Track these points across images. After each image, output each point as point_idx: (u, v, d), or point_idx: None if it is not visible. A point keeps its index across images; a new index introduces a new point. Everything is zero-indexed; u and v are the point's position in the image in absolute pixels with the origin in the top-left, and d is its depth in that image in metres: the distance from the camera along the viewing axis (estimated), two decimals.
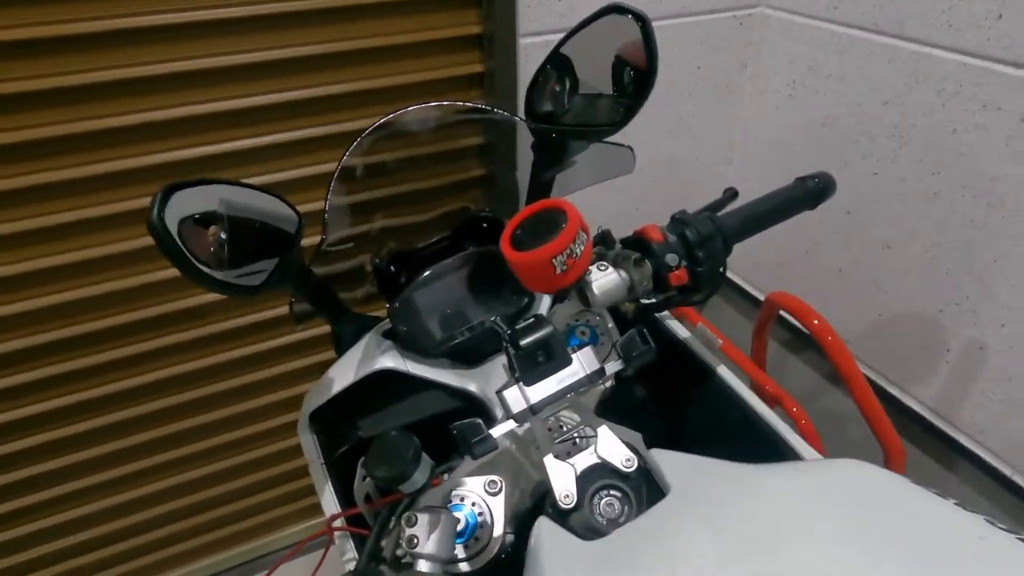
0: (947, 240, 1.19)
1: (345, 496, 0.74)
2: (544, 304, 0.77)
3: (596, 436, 0.58)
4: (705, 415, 0.78)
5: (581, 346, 0.71)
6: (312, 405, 0.78)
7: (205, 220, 0.63)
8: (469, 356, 0.77)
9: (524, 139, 0.78)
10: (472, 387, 0.73)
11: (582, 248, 0.58)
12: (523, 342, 0.54)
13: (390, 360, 0.74)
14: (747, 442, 0.72)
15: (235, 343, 1.35)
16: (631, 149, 0.73)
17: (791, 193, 0.72)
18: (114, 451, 1.36)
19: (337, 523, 0.68)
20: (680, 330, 0.82)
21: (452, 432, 0.53)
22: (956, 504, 0.44)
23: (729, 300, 1.78)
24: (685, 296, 0.69)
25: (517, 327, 0.56)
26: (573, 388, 0.56)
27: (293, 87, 1.15)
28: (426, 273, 0.75)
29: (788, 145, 1.49)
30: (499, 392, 0.55)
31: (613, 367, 0.58)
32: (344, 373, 0.76)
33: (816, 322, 1.27)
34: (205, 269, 0.58)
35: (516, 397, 0.55)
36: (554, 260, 0.57)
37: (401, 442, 0.53)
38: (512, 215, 0.63)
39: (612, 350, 0.60)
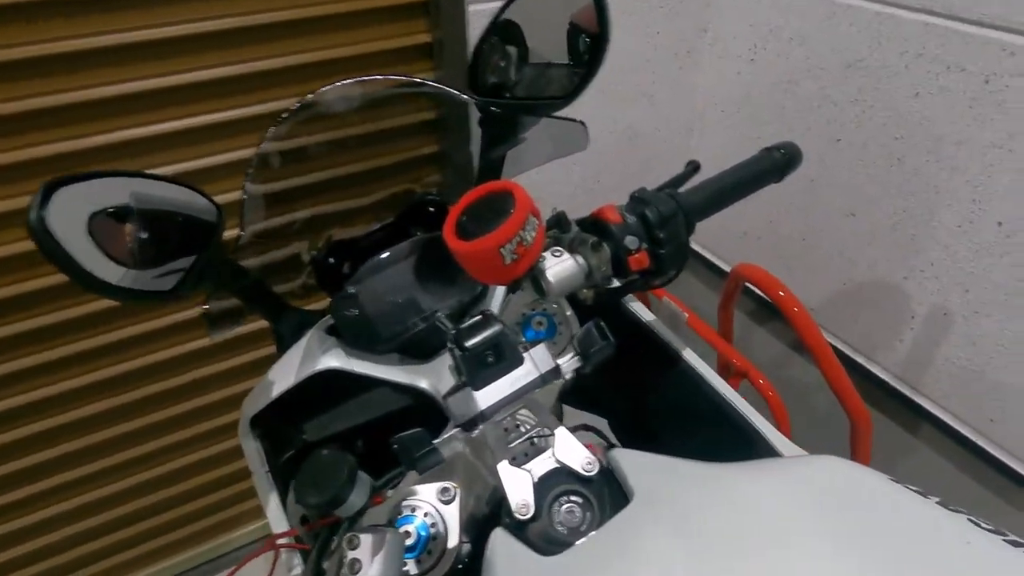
0: (911, 206, 1.17)
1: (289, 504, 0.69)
2: (499, 293, 0.72)
3: (554, 437, 0.53)
4: (672, 402, 0.75)
5: (537, 340, 0.66)
6: (252, 410, 0.72)
7: (119, 215, 0.57)
8: (420, 350, 0.72)
9: (472, 115, 0.72)
10: (423, 384, 0.68)
11: (533, 234, 0.53)
12: (469, 343, 0.49)
13: (334, 359, 0.69)
14: (716, 429, 0.69)
15: (176, 339, 1.28)
16: (583, 124, 0.68)
17: (756, 166, 0.68)
18: (61, 455, 1.28)
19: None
20: (644, 313, 0.78)
21: (393, 446, 0.48)
22: (939, 503, 0.41)
23: (694, 272, 1.75)
24: (647, 280, 0.64)
25: (462, 326, 0.51)
26: (527, 389, 0.51)
27: (219, 63, 1.06)
28: (369, 263, 0.69)
29: (751, 112, 1.46)
30: (446, 397, 0.50)
31: (570, 364, 0.53)
32: (284, 374, 0.70)
33: (782, 294, 1.25)
34: (105, 277, 0.51)
35: (464, 403, 0.50)
36: (503, 249, 0.52)
37: (333, 462, 0.48)
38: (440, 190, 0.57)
39: (569, 345, 0.55)
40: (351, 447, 0.76)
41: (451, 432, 0.51)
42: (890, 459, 1.34)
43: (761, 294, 1.22)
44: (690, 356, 0.73)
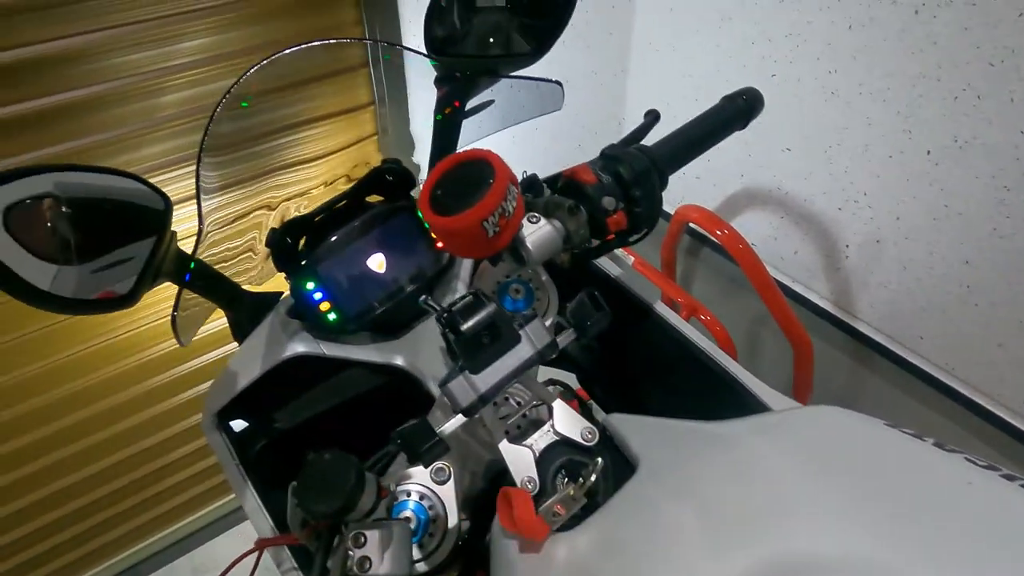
0: (844, 139, 1.20)
1: (266, 496, 0.66)
2: (466, 261, 0.69)
3: (550, 409, 0.53)
4: (647, 356, 0.75)
5: (516, 310, 0.65)
6: (217, 404, 0.68)
7: (42, 206, 0.51)
8: (391, 325, 0.69)
9: (419, 72, 0.67)
10: (399, 361, 0.66)
11: (514, 204, 0.51)
12: (464, 327, 0.47)
13: (301, 344, 0.65)
14: (696, 381, 0.69)
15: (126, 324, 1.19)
16: (560, 84, 0.64)
17: (721, 114, 0.67)
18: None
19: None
20: (611, 268, 0.78)
21: (397, 441, 0.46)
22: (935, 444, 0.43)
23: None
24: (622, 238, 0.63)
25: (454, 308, 0.49)
26: (525, 367, 0.50)
27: None
28: (329, 240, 0.65)
29: (685, 49, 1.44)
30: (443, 385, 0.48)
31: (566, 338, 0.52)
32: (249, 364, 0.66)
33: (725, 232, 1.28)
34: (37, 280, 0.46)
35: (463, 389, 0.48)
36: (485, 223, 0.49)
37: (338, 466, 0.45)
38: (404, 159, 0.54)
39: (548, 310, 0.54)
40: (327, 431, 0.74)
41: (454, 419, 0.49)
42: (829, 382, 1.42)
43: (701, 232, 1.25)
44: (662, 309, 0.73)
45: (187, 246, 0.59)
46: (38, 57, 0.90)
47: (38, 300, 0.48)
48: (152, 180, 0.55)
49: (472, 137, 0.70)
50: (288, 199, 0.69)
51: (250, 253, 0.67)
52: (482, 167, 0.51)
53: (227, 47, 0.99)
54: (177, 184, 1.05)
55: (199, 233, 0.58)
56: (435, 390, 0.62)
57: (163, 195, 0.54)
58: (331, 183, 0.72)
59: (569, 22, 0.58)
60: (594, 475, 0.46)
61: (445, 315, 0.48)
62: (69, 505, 1.34)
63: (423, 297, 0.51)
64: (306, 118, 0.89)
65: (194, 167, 0.93)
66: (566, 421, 0.52)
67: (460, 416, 0.48)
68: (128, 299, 0.51)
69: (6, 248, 0.47)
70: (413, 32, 1.11)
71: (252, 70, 0.58)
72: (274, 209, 0.68)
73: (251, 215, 0.67)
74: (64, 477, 1.30)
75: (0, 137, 0.92)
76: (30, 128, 0.94)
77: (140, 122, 0.99)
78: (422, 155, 1.08)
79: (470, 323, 0.47)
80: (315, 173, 0.78)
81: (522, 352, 0.49)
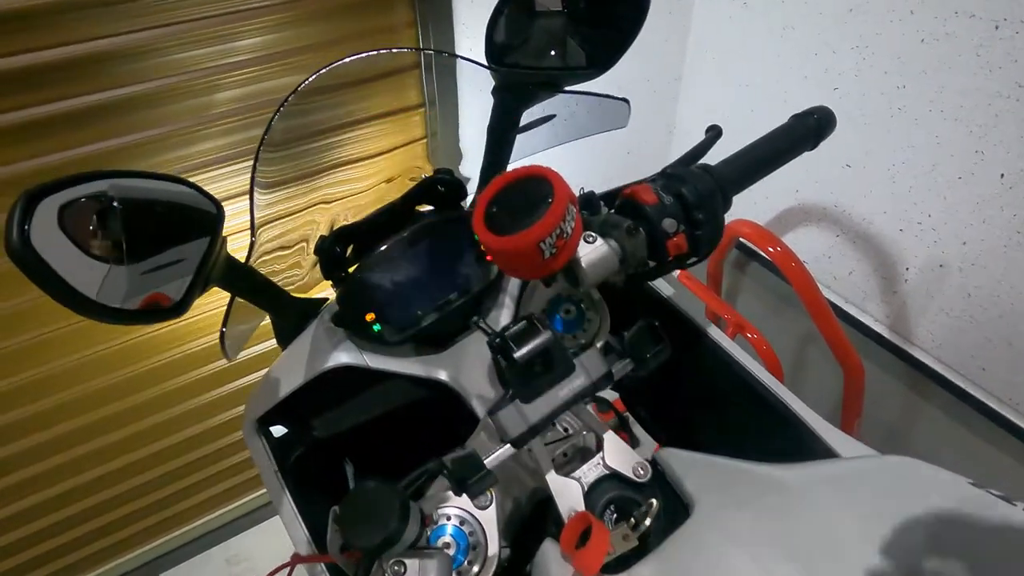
0: (910, 158, 1.14)
1: (303, 506, 0.65)
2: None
3: (601, 441, 0.50)
4: (697, 381, 0.72)
5: (567, 329, 0.62)
6: (259, 410, 0.67)
7: (95, 207, 0.50)
8: (435, 338, 0.68)
9: (471, 78, 0.65)
10: (442, 375, 0.64)
11: (572, 225, 0.49)
12: (517, 355, 0.45)
13: (345, 354, 0.64)
14: (749, 411, 0.66)
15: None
16: (627, 101, 0.61)
17: (790, 134, 0.64)
18: (51, 439, 1.23)
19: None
20: (664, 287, 0.75)
21: (444, 471, 0.44)
22: (1019, 505, 0.39)
23: None
24: (680, 261, 0.60)
25: (507, 333, 0.46)
26: (578, 399, 0.48)
27: None
28: (377, 251, 0.63)
29: (744, 58, 1.40)
30: (492, 413, 0.46)
31: (622, 369, 0.49)
32: (292, 372, 0.65)
33: (777, 249, 1.24)
34: (108, 301, 0.46)
35: (513, 418, 0.46)
36: (542, 244, 0.47)
37: (383, 497, 0.43)
38: (452, 165, 0.52)
39: (599, 334, 0.51)
40: (365, 441, 0.73)
41: (503, 450, 0.47)
42: (880, 409, 1.37)
43: (750, 246, 1.20)
44: (716, 334, 0.70)
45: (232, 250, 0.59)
46: (93, 53, 0.91)
47: (103, 316, 0.47)
48: (201, 177, 0.54)
49: (529, 150, 0.68)
50: (338, 199, 0.67)
51: (298, 260, 0.66)
52: (541, 185, 0.49)
53: (282, 46, 0.99)
54: (226, 181, 1.05)
55: (252, 243, 0.57)
56: (478, 408, 0.60)
57: (216, 202, 0.53)
58: (386, 182, 0.71)
59: (637, 38, 0.55)
60: (649, 519, 0.43)
61: (497, 340, 0.46)
62: (108, 491, 1.37)
63: (475, 318, 0.49)
64: (357, 118, 0.87)
65: (242, 164, 0.93)
66: (617, 455, 0.50)
67: (508, 447, 0.46)
68: (178, 308, 0.50)
69: (59, 247, 0.47)
70: (467, 35, 1.10)
71: (312, 78, 0.57)
72: (329, 206, 0.67)
73: (301, 220, 0.66)
74: (104, 464, 1.33)
75: (55, 132, 0.94)
76: (84, 124, 0.95)
77: (193, 119, 1.00)
78: (469, 163, 1.07)
79: (524, 351, 0.45)
80: (363, 174, 0.77)
81: (576, 383, 0.47)
